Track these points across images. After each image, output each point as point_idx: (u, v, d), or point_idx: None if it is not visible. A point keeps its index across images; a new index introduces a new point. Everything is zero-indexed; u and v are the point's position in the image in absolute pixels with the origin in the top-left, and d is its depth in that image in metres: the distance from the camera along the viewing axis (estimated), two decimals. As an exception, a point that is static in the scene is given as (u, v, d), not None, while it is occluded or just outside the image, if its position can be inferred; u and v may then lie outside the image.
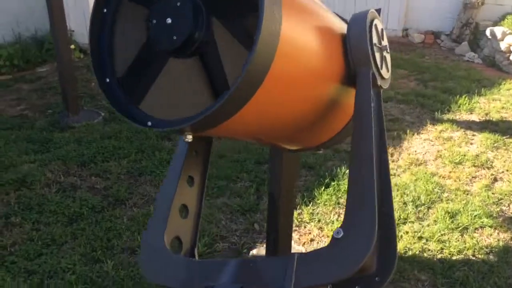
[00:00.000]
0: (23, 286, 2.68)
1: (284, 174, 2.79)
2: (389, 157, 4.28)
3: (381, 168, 1.00)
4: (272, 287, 0.77)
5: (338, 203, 3.61)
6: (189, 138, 0.84)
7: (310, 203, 3.58)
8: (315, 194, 3.70)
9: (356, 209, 0.89)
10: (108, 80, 0.87)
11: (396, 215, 3.45)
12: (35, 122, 4.80)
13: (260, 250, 3.07)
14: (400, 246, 3.12)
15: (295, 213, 3.44)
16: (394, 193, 3.73)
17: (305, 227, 3.35)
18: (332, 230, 3.27)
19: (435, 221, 3.41)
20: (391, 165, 4.22)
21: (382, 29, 1.19)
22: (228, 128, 0.86)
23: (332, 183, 3.82)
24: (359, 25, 1.09)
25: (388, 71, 1.18)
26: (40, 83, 5.95)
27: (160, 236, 0.97)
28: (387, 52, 1.19)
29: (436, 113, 5.33)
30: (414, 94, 5.91)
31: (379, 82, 1.10)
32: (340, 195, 3.69)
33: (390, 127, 4.95)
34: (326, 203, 3.59)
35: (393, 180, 3.93)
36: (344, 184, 3.83)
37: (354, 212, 0.89)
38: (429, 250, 3.12)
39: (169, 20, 0.82)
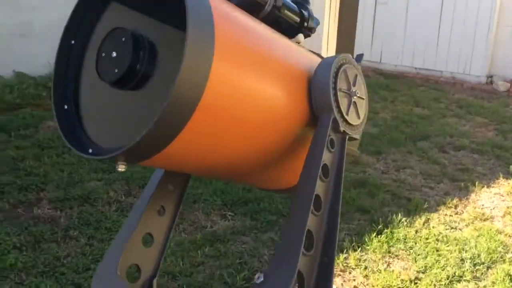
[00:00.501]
0: (68, 297, 2.82)
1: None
2: (453, 209, 4.08)
3: (330, 217, 0.97)
4: None
5: (389, 252, 3.46)
6: (122, 168, 0.86)
7: (358, 249, 3.47)
8: (366, 239, 3.58)
9: (281, 255, 0.87)
10: (66, 107, 0.93)
11: (451, 271, 3.25)
12: (108, 143, 5.11)
13: (299, 291, 3.01)
14: (450, 305, 2.93)
15: (341, 257, 3.35)
16: (452, 247, 3.53)
17: (350, 273, 3.24)
18: (378, 279, 3.14)
19: (493, 282, 3.16)
20: (454, 218, 4.00)
21: (355, 75, 1.17)
22: (166, 160, 0.88)
23: (386, 230, 3.69)
24: (323, 69, 1.09)
25: (359, 117, 1.15)
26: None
27: (114, 263, 0.99)
28: (360, 98, 1.17)
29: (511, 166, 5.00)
30: (491, 145, 5.59)
31: (342, 128, 1.09)
32: (392, 244, 3.55)
33: (458, 177, 4.71)
34: (375, 250, 3.46)
35: (453, 234, 3.72)
36: (398, 232, 3.68)
37: (279, 258, 0.87)
38: (481, 313, 2.89)
39: (114, 54, 0.88)
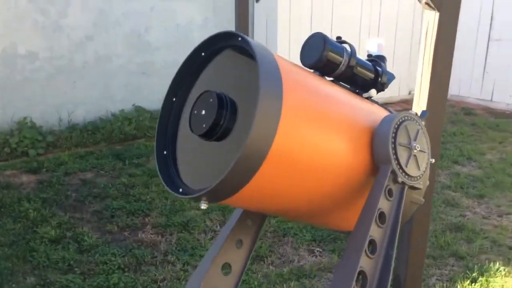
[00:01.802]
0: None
1: (411, 256, 2.72)
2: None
3: (384, 262, 1.04)
4: None
5: (483, 302, 3.29)
6: (204, 206, 1.02)
7: (449, 296, 3.34)
8: (458, 286, 3.43)
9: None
10: (165, 152, 1.13)
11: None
12: (209, 175, 5.44)
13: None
14: None
15: (429, 302, 3.25)
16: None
17: (437, 320, 3.14)
18: (468, 329, 3.00)
19: None
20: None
21: (417, 130, 1.24)
22: (241, 201, 1.03)
23: (481, 278, 3.50)
24: (385, 124, 1.18)
25: (419, 169, 1.21)
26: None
27: (197, 287, 1.14)
28: (421, 151, 1.23)
29: None
30: None
31: (400, 178, 1.16)
32: (487, 293, 3.37)
33: None
34: (467, 299, 3.31)
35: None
36: (495, 281, 3.48)
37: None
38: None
39: (203, 112, 1.05)
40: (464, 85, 8.77)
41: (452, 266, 3.74)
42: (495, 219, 4.54)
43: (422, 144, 1.25)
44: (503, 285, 3.46)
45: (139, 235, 4.08)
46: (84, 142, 6.12)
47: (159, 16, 6.90)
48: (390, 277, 1.02)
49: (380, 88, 1.40)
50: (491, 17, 8.52)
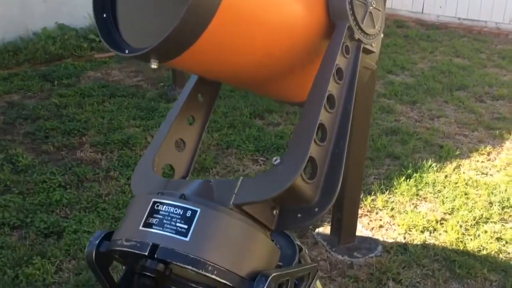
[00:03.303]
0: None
1: (353, 152, 2.81)
2: (485, 156, 4.05)
3: (342, 116, 1.04)
4: (215, 202, 0.87)
5: (417, 195, 3.51)
6: (154, 65, 0.94)
7: (386, 191, 3.53)
8: (394, 183, 3.63)
9: (295, 142, 0.95)
10: (104, 15, 1.02)
11: (478, 213, 3.28)
12: (146, 93, 5.27)
13: (325, 229, 3.13)
14: (474, 244, 2.98)
15: (368, 198, 3.43)
16: (481, 191, 3.54)
17: (376, 213, 3.33)
18: (404, 219, 3.21)
19: (521, 225, 3.18)
20: (486, 164, 3.98)
21: None
22: (192, 61, 0.96)
23: (415, 175, 3.72)
24: None
25: (374, 27, 1.20)
26: (157, 58, 6.48)
27: (150, 162, 1.08)
28: (376, 9, 1.20)
29: (552, 115, 4.86)
30: (533, 94, 5.43)
31: (357, 35, 1.14)
32: (421, 187, 3.59)
33: (494, 126, 4.64)
34: (403, 193, 3.51)
35: (484, 179, 3.72)
36: (428, 177, 3.71)
37: (293, 144, 0.95)
38: (506, 252, 2.93)
39: None
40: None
41: (388, 165, 3.93)
42: (427, 122, 4.77)
43: (377, 2, 1.22)
44: (435, 179, 3.69)
45: (78, 154, 3.94)
46: (6, 64, 5.69)
47: None
48: (348, 133, 1.01)
49: None
50: None
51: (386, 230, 3.16)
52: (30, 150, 3.96)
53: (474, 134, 4.53)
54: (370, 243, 3.03)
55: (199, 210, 0.83)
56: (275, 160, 0.90)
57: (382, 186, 3.57)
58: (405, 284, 2.64)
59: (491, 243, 3.00)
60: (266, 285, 0.78)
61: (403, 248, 2.96)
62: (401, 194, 3.51)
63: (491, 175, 3.81)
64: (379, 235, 3.11)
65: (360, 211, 3.22)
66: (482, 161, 4.02)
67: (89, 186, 3.50)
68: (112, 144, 4.11)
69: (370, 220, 3.26)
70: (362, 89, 2.68)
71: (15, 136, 4.17)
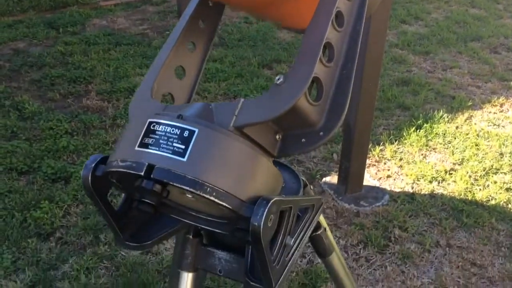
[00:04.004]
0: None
1: (362, 101, 2.75)
2: (498, 107, 3.97)
3: (351, 36, 0.96)
4: (216, 123, 0.82)
5: (427, 145, 3.46)
6: None
7: (395, 142, 3.48)
8: (404, 134, 3.58)
9: (299, 60, 0.89)
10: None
11: (488, 163, 3.23)
12: (152, 41, 5.17)
13: (333, 178, 3.10)
14: (483, 194, 2.95)
15: (377, 149, 3.39)
16: (492, 143, 3.48)
17: (385, 163, 3.29)
18: (413, 169, 3.18)
19: (532, 176, 3.13)
20: (498, 115, 3.90)
21: None
22: None
23: (425, 125, 3.66)
24: None
25: None
26: (164, 6, 6.33)
27: (149, 90, 1.01)
28: None
29: None
30: (549, 46, 5.26)
31: None
32: (431, 138, 3.53)
33: (508, 77, 4.53)
34: (413, 143, 3.47)
35: (495, 130, 3.65)
36: (438, 128, 3.65)
37: (298, 64, 0.88)
38: (514, 203, 2.90)
39: None
40: None
41: (399, 116, 3.87)
42: (440, 73, 4.66)
43: None
44: (446, 130, 3.63)
45: (84, 102, 3.90)
46: (10, 10, 5.58)
47: None
48: (357, 55, 0.94)
49: None
50: None
51: (394, 180, 3.13)
52: (36, 97, 3.93)
53: (487, 85, 4.42)
54: (377, 193, 3.01)
55: (197, 130, 0.78)
56: (278, 79, 0.84)
57: (392, 137, 3.51)
58: (411, 232, 2.64)
59: (500, 193, 2.96)
60: (267, 209, 0.74)
61: (410, 197, 2.94)
62: (410, 144, 3.46)
63: (503, 126, 3.73)
64: (386, 185, 3.09)
65: (368, 161, 3.19)
66: (495, 112, 3.94)
67: (95, 133, 3.48)
68: (118, 92, 4.07)
69: (378, 170, 3.23)
70: (374, 30, 2.59)
71: (21, 83, 4.13)
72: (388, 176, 3.16)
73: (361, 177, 3.00)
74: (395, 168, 3.23)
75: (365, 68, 2.68)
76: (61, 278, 2.27)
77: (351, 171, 2.92)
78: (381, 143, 3.46)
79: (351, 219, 2.77)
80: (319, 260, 2.41)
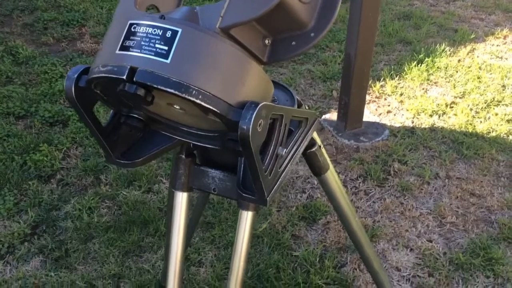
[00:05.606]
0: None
1: (362, 33, 2.68)
2: (501, 39, 3.87)
3: None
4: (202, 26, 0.78)
5: (428, 80, 3.40)
6: None
7: (396, 77, 3.43)
8: (405, 68, 3.51)
9: None
10: None
11: (490, 96, 3.19)
12: None
13: (332, 115, 3.08)
14: (484, 126, 2.92)
15: (377, 84, 3.34)
16: (494, 75, 3.42)
17: (385, 99, 3.25)
18: (413, 104, 3.14)
19: (534, 108, 3.10)
20: (501, 47, 3.82)
21: None
22: None
23: (427, 59, 3.59)
24: None
25: None
26: None
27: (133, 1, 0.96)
28: None
29: None
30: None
31: None
32: (432, 72, 3.47)
33: (513, 8, 4.39)
34: (414, 78, 3.41)
35: (498, 63, 3.58)
36: (440, 61, 3.58)
37: None
38: (515, 134, 2.89)
39: None
40: None
41: (400, 51, 3.79)
42: (443, 6, 4.52)
43: None
44: (447, 64, 3.57)
45: (78, 45, 3.83)
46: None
47: None
48: None
49: None
50: None
51: (394, 115, 3.10)
52: (30, 42, 3.85)
53: (491, 17, 4.30)
54: (377, 128, 2.99)
55: (180, 30, 0.74)
56: None
57: (392, 72, 3.46)
58: (410, 165, 2.64)
59: (501, 125, 2.94)
60: (255, 112, 0.72)
61: (410, 131, 2.92)
62: (411, 79, 3.41)
63: (506, 58, 3.66)
64: (386, 120, 3.06)
65: (368, 98, 3.16)
66: (498, 45, 3.85)
67: (91, 76, 3.43)
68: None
69: (378, 106, 3.19)
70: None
71: (13, 28, 4.04)
72: (389, 112, 3.13)
73: (360, 112, 2.97)
74: (395, 104, 3.19)
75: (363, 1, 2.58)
76: (64, 218, 2.30)
77: (350, 106, 2.88)
78: (382, 79, 3.41)
79: (351, 154, 2.77)
80: (319, 195, 2.43)
